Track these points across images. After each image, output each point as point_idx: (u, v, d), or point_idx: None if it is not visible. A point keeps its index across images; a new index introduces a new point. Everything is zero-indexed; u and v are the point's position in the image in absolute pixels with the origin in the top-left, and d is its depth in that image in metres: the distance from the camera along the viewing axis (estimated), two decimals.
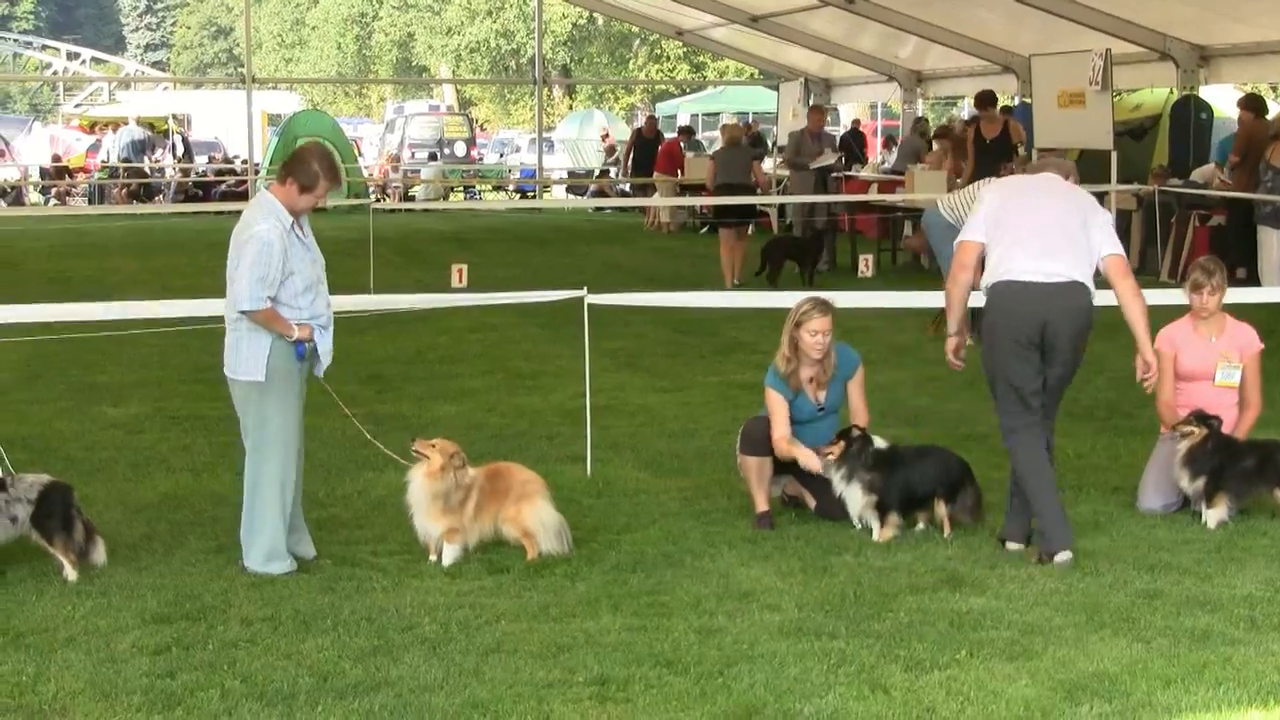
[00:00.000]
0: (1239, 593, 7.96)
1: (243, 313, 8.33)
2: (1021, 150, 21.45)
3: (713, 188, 24.07)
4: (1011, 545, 8.81)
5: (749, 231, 24.02)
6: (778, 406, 9.52)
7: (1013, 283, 8.65)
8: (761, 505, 9.48)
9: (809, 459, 9.38)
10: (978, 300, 9.13)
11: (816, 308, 9.44)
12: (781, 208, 25.74)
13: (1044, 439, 8.83)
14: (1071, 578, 8.27)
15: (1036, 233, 8.74)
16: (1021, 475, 8.78)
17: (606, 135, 48.56)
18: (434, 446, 8.71)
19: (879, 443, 9.31)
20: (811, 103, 29.56)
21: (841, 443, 9.26)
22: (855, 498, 9.16)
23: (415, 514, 8.70)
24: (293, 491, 8.58)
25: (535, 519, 8.71)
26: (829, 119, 43.12)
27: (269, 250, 8.26)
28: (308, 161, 8.46)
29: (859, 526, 9.24)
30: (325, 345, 8.55)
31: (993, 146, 20.73)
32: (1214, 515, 9.34)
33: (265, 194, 8.58)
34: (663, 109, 60.77)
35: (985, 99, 21.64)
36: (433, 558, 8.66)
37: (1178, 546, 8.86)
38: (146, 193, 42.04)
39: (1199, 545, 8.85)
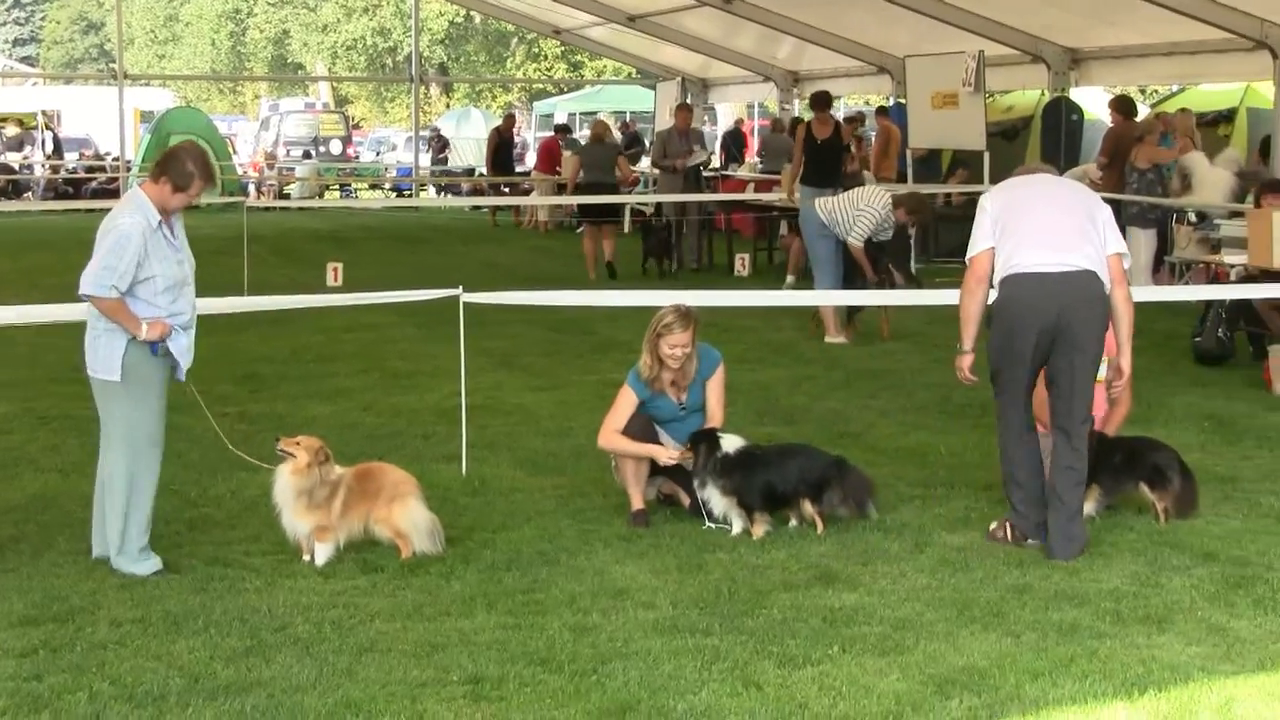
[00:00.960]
0: (1105, 587, 8.10)
1: (86, 297, 8.24)
2: (853, 148, 21.67)
3: (575, 184, 24.34)
4: (1031, 542, 8.87)
5: (624, 229, 24.14)
6: (624, 402, 9.58)
7: (1026, 274, 8.72)
8: (637, 503, 9.51)
9: (657, 452, 9.44)
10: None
11: (678, 321, 9.43)
12: (658, 207, 25.84)
13: (1036, 437, 8.96)
14: (943, 573, 8.36)
15: (1045, 227, 8.82)
16: (1009, 469, 8.94)
17: (435, 133, 48.41)
18: (298, 444, 8.66)
19: (732, 445, 9.30)
20: (678, 101, 29.62)
21: (692, 452, 9.32)
22: (715, 500, 9.22)
23: (283, 512, 8.64)
24: (147, 491, 8.49)
25: (408, 519, 8.68)
26: (706, 118, 43.41)
27: (125, 243, 8.18)
28: (182, 160, 8.40)
29: (711, 526, 9.27)
30: (180, 345, 8.45)
31: (824, 147, 21.00)
32: (1085, 508, 9.47)
33: (137, 190, 8.49)
34: (540, 108, 60.78)
35: (819, 100, 22.03)
36: (305, 557, 8.61)
37: None
38: (15, 190, 41.38)
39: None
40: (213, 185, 8.71)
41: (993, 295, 8.94)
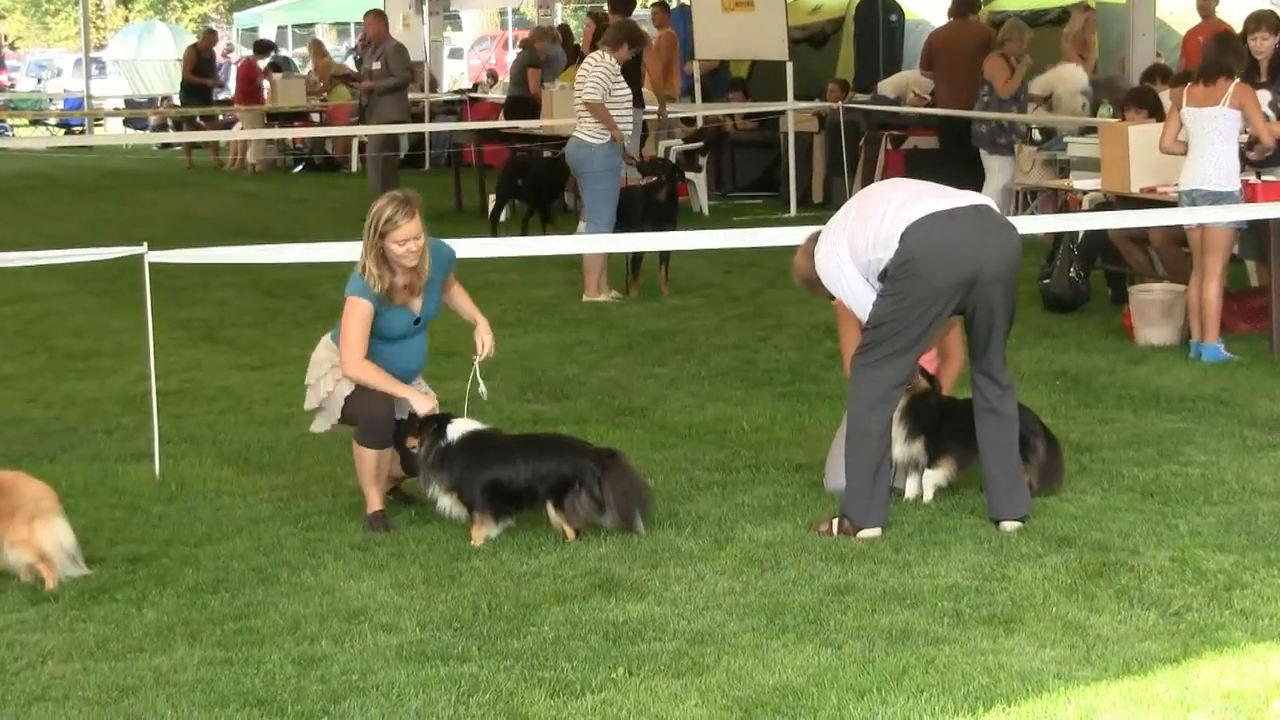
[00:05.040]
0: (942, 583, 8.23)
1: None
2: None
3: None
4: (1007, 526, 9.08)
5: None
6: (357, 318, 9.42)
7: (933, 214, 8.97)
8: (374, 503, 9.45)
9: (414, 398, 9.39)
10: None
11: (401, 211, 9.29)
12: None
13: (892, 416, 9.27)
14: (749, 574, 8.43)
15: (912, 188, 9.34)
16: (853, 435, 9.11)
17: None
18: None
19: (458, 430, 9.26)
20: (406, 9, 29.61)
21: (420, 436, 9.32)
22: (439, 497, 9.22)
23: None
24: None
25: (52, 541, 8.49)
26: (449, 30, 43.26)
27: None
28: None
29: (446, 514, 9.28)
30: None
31: None
32: (933, 477, 9.65)
33: None
34: (242, 19, 60.00)
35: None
36: None
37: None
38: None
39: (897, 529, 9.10)
40: None
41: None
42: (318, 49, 37.73)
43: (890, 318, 8.99)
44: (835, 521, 9.06)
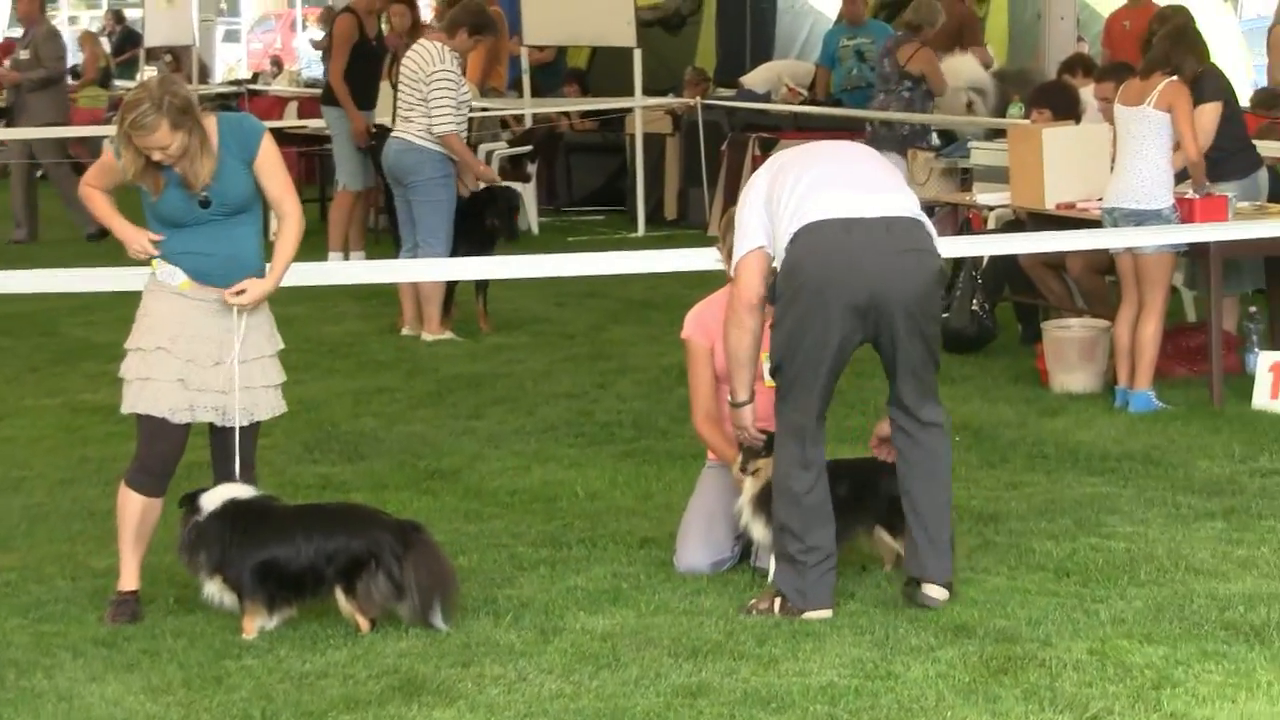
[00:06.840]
0: (815, 682, 8.22)
1: None
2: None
3: None
4: (930, 590, 9.14)
5: None
6: (98, 164, 9.47)
7: (826, 220, 8.95)
8: (127, 580, 9.36)
9: (125, 235, 9.28)
10: None
11: (151, 116, 8.91)
12: None
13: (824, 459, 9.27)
14: (581, 673, 8.41)
15: (841, 171, 9.29)
16: (779, 498, 9.16)
17: None
18: None
19: (219, 498, 9.19)
20: None
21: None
22: (204, 582, 9.15)
23: None
24: None
25: None
26: (224, 6, 43.04)
27: None
28: None
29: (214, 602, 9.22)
30: None
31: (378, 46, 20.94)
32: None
33: None
34: None
35: None
36: None
37: (732, 621, 9.11)
38: None
39: (762, 618, 9.12)
40: None
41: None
42: (90, 39, 37.22)
43: (787, 353, 9.05)
44: (777, 600, 9.10)
